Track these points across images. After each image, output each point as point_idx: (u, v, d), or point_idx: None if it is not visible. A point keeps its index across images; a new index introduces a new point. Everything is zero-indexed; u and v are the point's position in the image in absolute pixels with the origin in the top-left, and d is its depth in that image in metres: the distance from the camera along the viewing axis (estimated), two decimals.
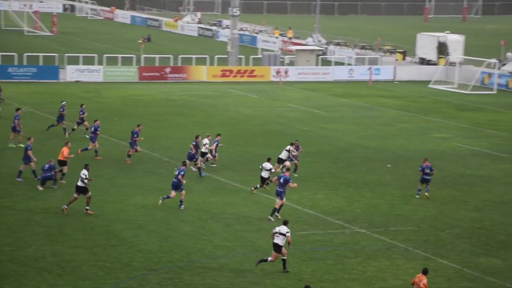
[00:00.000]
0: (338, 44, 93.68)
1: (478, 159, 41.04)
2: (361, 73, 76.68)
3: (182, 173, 34.39)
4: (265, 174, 36.92)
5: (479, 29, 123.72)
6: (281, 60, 78.84)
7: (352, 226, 33.20)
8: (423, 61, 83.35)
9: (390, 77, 77.32)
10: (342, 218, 34.17)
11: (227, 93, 66.99)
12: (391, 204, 36.36)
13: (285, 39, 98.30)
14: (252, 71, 74.49)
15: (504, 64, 78.12)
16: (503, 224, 33.93)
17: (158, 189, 37.56)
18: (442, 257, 29.77)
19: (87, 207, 33.56)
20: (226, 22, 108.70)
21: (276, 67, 75.16)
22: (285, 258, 28.22)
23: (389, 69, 78.21)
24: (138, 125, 42.75)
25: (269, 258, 28.18)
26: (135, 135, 42.26)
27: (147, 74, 71.49)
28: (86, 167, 33.84)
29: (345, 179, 40.51)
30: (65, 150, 37.76)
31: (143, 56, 74.59)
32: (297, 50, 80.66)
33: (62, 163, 37.64)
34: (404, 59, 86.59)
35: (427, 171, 37.21)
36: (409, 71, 78.77)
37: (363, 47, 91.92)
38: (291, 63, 78.69)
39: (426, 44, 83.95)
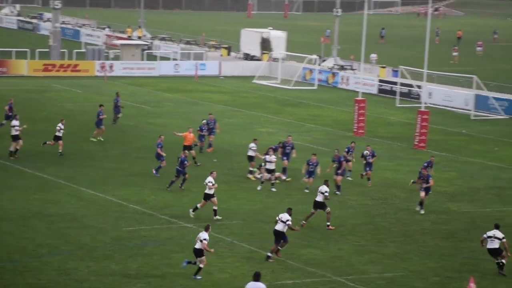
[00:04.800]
0: (163, 39, 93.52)
1: (300, 153, 41.98)
2: (186, 68, 76.88)
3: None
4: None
5: (300, 26, 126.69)
6: (106, 54, 77.91)
7: (179, 221, 33.27)
8: (248, 57, 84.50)
9: (216, 72, 77.95)
10: (169, 213, 34.18)
11: (50, 88, 65.54)
12: (218, 198, 36.63)
13: (110, 33, 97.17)
14: (76, 65, 73.21)
15: (324, 60, 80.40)
16: (324, 215, 34.86)
17: None
18: (266, 249, 30.26)
19: (328, 223, 32.96)
20: (47, 15, 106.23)
21: (101, 62, 74.22)
22: None
23: (214, 64, 78.82)
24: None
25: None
26: None
27: None
28: (326, 183, 33.30)
29: (173, 174, 40.48)
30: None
31: None
32: (122, 45, 79.93)
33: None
34: (229, 54, 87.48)
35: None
36: (234, 67, 79.67)
37: (188, 42, 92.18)
38: (116, 58, 77.91)
39: (250, 40, 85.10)
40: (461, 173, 43.67)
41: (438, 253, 30.81)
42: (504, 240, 28.53)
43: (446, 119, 60.18)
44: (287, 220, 29.11)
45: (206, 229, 27.52)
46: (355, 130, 53.43)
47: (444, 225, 34.42)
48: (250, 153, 40.82)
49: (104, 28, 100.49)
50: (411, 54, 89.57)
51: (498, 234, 28.55)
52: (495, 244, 28.49)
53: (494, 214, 35.92)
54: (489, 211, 36.67)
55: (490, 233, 28.66)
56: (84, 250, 29.18)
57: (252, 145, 41.06)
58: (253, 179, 40.02)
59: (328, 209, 33.09)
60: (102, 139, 46.92)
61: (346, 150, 41.22)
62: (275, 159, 39.00)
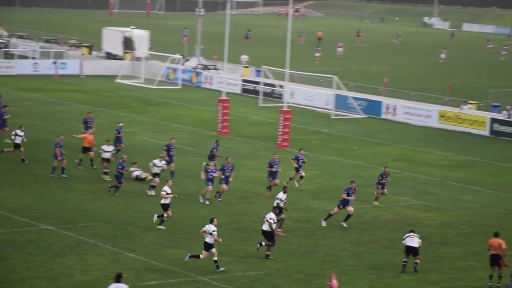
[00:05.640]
0: (21, 37, 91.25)
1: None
2: (46, 67, 75.32)
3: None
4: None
5: (163, 25, 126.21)
6: None
7: (39, 223, 32.48)
8: (110, 56, 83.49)
9: (77, 71, 76.69)
10: (29, 216, 33.32)
11: None
12: (80, 200, 36.07)
13: None
14: None
15: (187, 60, 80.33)
16: (189, 215, 34.84)
17: None
18: (130, 250, 29.98)
19: (279, 229, 32.38)
20: None
21: None
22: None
23: (75, 63, 77.53)
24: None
25: None
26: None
27: None
28: (284, 189, 33.42)
29: (33, 175, 39.57)
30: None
31: None
32: None
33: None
34: (90, 53, 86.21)
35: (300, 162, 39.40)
36: (96, 66, 78.59)
37: (47, 41, 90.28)
38: None
39: (112, 39, 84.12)
40: (323, 171, 44.42)
41: (300, 250, 31.19)
42: (420, 240, 29.46)
43: (308, 119, 61.15)
44: (270, 219, 29.73)
45: (211, 222, 28.50)
46: (219, 129, 53.59)
47: (306, 223, 34.90)
48: (104, 155, 40.04)
49: None
50: (275, 55, 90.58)
51: (416, 234, 29.47)
52: (414, 243, 29.22)
53: (355, 211, 36.62)
54: None
55: (408, 235, 29.46)
56: None
57: (104, 146, 40.27)
58: (108, 179, 39.44)
59: (283, 216, 32.91)
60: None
61: (295, 158, 40.29)
62: (163, 165, 38.41)
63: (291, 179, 40.22)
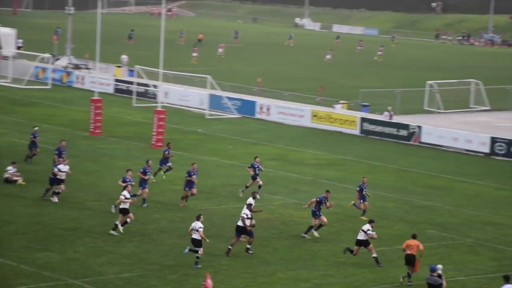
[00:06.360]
0: None
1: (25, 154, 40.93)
2: None
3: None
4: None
5: (31, 23, 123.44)
6: None
7: None
8: None
9: None
10: None
11: None
12: None
13: None
14: None
15: (58, 59, 78.77)
16: (60, 218, 34.07)
17: None
18: (3, 256, 29.06)
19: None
20: None
21: None
22: None
23: None
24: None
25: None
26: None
27: None
28: (253, 194, 33.13)
29: None
30: None
31: None
32: None
33: None
34: None
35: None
36: None
37: None
38: None
39: None
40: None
41: (175, 251, 30.93)
42: (369, 232, 30.35)
43: (182, 118, 60.88)
44: (243, 214, 30.52)
45: (198, 218, 29.22)
46: (91, 130, 52.70)
47: (181, 223, 34.64)
48: None
49: None
50: (155, 55, 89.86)
51: (364, 227, 30.59)
52: (361, 236, 30.52)
53: (229, 210, 36.66)
54: (225, 208, 37.40)
55: (364, 227, 30.63)
56: None
57: None
58: None
59: (254, 221, 31.98)
60: None
61: (250, 166, 39.47)
62: (68, 169, 36.96)
63: (247, 187, 39.42)
